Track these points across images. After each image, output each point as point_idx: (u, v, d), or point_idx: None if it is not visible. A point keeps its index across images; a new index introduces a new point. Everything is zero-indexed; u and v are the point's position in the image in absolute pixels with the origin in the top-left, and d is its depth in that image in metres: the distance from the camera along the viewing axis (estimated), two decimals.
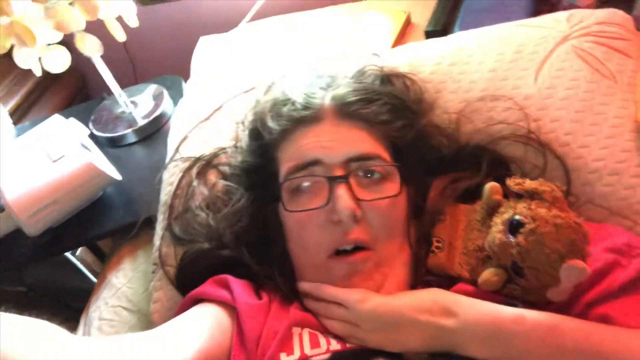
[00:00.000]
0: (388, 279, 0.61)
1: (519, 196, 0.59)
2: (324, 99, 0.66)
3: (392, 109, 0.67)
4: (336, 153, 0.62)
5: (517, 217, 0.56)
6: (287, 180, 0.64)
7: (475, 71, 0.77)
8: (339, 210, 0.59)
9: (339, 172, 0.61)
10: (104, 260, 1.16)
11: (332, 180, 0.60)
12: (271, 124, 0.67)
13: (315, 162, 0.62)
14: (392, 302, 0.57)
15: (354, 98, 0.65)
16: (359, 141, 0.63)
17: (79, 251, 1.41)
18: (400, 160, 0.66)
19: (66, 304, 1.28)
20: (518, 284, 0.56)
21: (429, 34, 1.04)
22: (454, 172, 0.69)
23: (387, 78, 0.74)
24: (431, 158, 0.70)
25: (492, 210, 0.61)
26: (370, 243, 0.61)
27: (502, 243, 0.56)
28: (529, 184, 0.58)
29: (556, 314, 0.53)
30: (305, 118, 0.65)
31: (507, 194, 0.61)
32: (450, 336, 0.54)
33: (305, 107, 0.65)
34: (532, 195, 0.57)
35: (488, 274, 0.57)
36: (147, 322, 0.82)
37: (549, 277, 0.53)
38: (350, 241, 0.60)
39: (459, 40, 0.83)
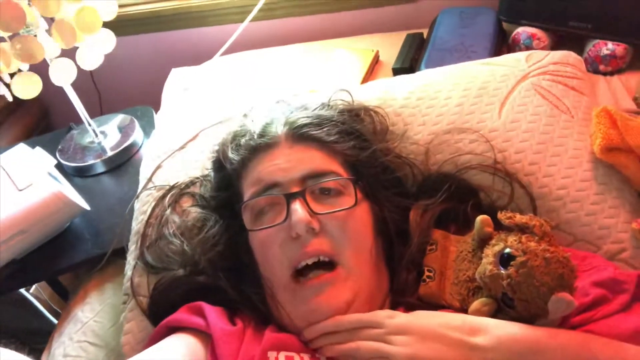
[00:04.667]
0: (358, 297, 0.61)
1: (509, 229, 0.61)
2: (278, 126, 0.69)
3: (341, 131, 0.70)
4: (292, 173, 0.64)
5: (508, 249, 0.57)
6: (246, 202, 0.65)
7: (443, 105, 0.81)
8: (294, 223, 0.60)
9: (295, 189, 0.63)
10: (65, 297, 1.11)
11: (289, 197, 0.62)
12: (231, 154, 0.70)
13: (274, 185, 0.64)
14: (421, 319, 0.58)
15: (304, 121, 0.69)
16: (312, 159, 0.66)
17: (32, 288, 1.34)
18: (358, 176, 0.68)
19: (29, 346, 1.21)
20: (508, 315, 0.57)
21: (397, 71, 1.09)
22: (428, 198, 0.71)
23: (354, 112, 0.77)
24: (403, 185, 0.73)
25: (483, 242, 0.62)
26: (333, 255, 0.62)
27: (493, 275, 0.57)
28: (519, 218, 0.60)
29: (580, 332, 0.54)
30: (261, 145, 0.68)
31: (497, 226, 0.63)
32: (482, 354, 0.53)
33: (261, 135, 0.69)
34: (523, 229, 0.59)
35: (478, 304, 0.58)
36: (115, 357, 0.79)
37: (537, 308, 0.55)
38: (309, 254, 0.61)
39: (427, 76, 0.87)
